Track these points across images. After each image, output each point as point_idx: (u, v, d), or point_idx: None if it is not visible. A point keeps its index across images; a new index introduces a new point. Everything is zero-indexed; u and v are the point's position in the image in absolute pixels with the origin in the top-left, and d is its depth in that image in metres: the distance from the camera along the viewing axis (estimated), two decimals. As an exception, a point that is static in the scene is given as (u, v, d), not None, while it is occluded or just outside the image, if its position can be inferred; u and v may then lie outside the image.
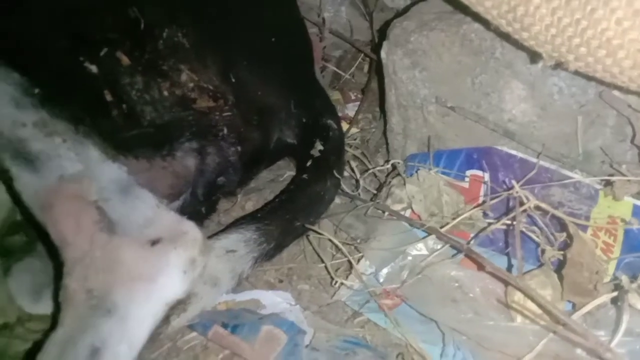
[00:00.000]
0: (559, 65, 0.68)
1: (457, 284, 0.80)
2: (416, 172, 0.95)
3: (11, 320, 0.83)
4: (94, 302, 0.65)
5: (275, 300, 0.86)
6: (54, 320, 0.67)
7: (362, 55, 1.43)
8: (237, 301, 0.86)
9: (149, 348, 0.73)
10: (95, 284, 0.65)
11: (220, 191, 0.94)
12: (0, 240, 0.86)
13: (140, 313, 0.66)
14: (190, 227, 0.71)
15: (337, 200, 1.05)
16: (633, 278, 0.69)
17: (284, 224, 0.91)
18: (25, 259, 0.89)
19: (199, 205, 0.90)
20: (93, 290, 0.65)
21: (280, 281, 0.92)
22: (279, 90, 0.97)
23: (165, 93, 0.80)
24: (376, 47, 1.03)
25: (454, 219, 0.88)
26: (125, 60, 0.77)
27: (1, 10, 0.75)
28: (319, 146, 1.00)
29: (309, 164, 0.99)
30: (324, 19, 1.42)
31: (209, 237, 0.86)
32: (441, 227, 0.86)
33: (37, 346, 0.66)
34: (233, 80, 0.88)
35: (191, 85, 0.82)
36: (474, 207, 0.89)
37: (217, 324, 0.78)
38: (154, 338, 0.73)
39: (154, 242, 0.67)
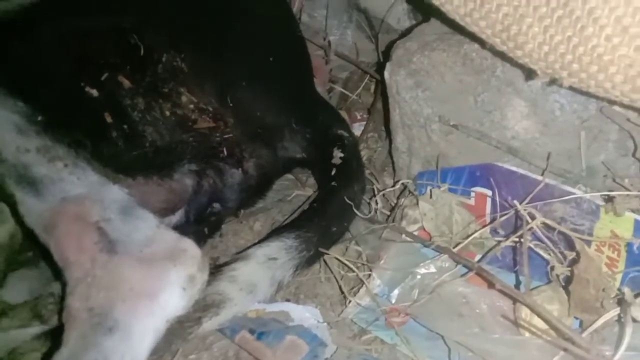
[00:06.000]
0: (553, 82, 0.69)
1: (464, 300, 0.80)
2: (429, 190, 0.96)
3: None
4: (96, 320, 0.66)
5: (303, 315, 0.88)
6: (58, 340, 0.68)
7: (368, 76, 1.45)
8: (268, 311, 0.88)
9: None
10: (97, 303, 0.67)
11: (217, 215, 0.96)
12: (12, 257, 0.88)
13: (142, 329, 0.68)
14: (189, 245, 0.73)
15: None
16: (637, 290, 0.69)
17: (321, 230, 0.94)
18: (21, 269, 0.92)
19: (200, 225, 0.92)
20: (95, 309, 0.67)
21: (288, 300, 0.93)
22: (279, 109, 1.00)
23: (167, 113, 0.83)
24: (382, 68, 1.05)
25: (464, 238, 0.89)
26: (126, 83, 0.80)
27: (6, 39, 0.78)
28: (338, 154, 1.03)
29: (333, 172, 1.02)
30: (329, 42, 1.45)
31: (244, 250, 0.89)
32: (453, 247, 0.87)
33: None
34: (231, 101, 0.90)
35: (191, 106, 0.85)
36: (483, 227, 0.90)
37: (245, 330, 0.81)
38: (184, 338, 0.76)
39: (154, 260, 0.69)
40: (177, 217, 0.89)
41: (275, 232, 0.92)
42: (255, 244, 0.89)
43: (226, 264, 0.84)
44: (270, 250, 0.87)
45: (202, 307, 0.77)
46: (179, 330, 0.74)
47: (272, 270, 0.86)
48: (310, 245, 0.91)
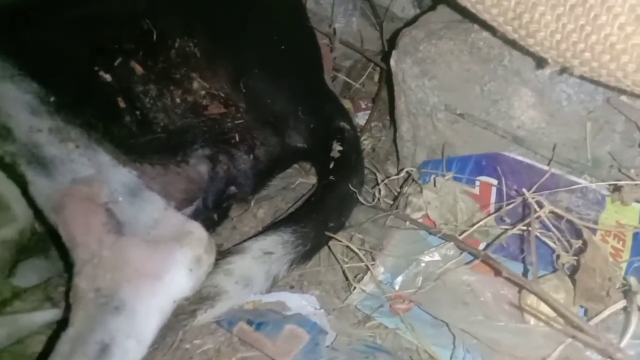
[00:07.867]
0: (564, 71, 0.69)
1: (468, 288, 0.81)
2: (433, 178, 0.96)
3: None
4: (102, 301, 0.67)
5: (300, 304, 0.88)
6: (65, 320, 0.69)
7: (373, 64, 1.44)
8: (264, 302, 0.87)
9: (162, 350, 0.75)
10: (104, 283, 0.67)
11: (232, 199, 0.96)
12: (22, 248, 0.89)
13: (148, 309, 0.68)
14: (195, 227, 0.73)
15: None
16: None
17: (318, 225, 0.93)
18: (31, 259, 0.92)
19: (210, 212, 0.91)
20: (101, 289, 0.67)
21: (292, 287, 0.93)
22: (287, 97, 0.99)
23: (178, 100, 0.83)
24: (386, 57, 1.05)
25: (470, 226, 0.89)
26: (138, 69, 0.80)
27: (22, 23, 0.78)
28: (337, 147, 1.02)
29: (331, 165, 1.01)
30: (334, 30, 1.44)
31: (240, 243, 0.89)
32: (459, 235, 0.87)
33: (50, 346, 0.68)
34: (243, 88, 0.90)
35: (202, 92, 0.85)
36: (489, 215, 0.90)
37: (242, 321, 0.81)
38: (179, 330, 0.76)
39: (160, 242, 0.69)
40: (194, 207, 0.90)
41: (273, 226, 0.92)
42: (251, 237, 0.89)
43: (222, 256, 0.84)
44: (267, 244, 0.87)
45: (197, 300, 0.77)
46: (173, 322, 0.74)
47: (268, 265, 0.86)
48: (307, 240, 0.90)
